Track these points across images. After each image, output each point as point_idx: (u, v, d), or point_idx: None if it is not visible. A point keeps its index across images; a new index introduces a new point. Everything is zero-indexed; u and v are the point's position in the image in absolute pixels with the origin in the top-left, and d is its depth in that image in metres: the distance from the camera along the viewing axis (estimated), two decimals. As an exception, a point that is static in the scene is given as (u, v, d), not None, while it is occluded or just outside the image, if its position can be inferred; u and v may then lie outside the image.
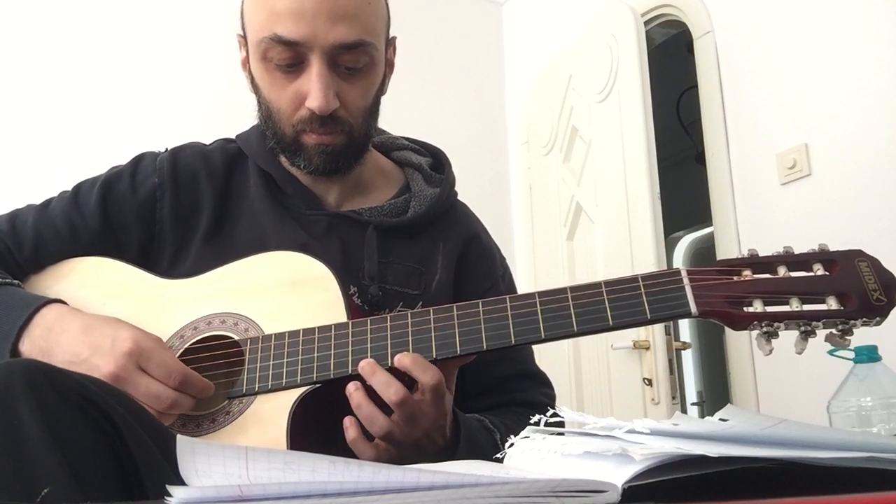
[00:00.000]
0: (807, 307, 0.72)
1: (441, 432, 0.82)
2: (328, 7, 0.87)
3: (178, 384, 0.78)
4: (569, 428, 0.55)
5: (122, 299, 0.93)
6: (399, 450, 0.79)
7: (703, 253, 4.41)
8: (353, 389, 0.78)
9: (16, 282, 0.92)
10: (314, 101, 0.89)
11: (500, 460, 0.58)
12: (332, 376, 0.80)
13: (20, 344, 0.83)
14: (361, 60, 0.92)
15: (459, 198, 1.11)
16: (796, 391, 2.03)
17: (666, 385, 2.28)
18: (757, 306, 0.72)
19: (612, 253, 2.53)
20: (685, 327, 4.22)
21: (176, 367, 0.79)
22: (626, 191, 2.47)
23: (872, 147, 2.00)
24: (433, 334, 0.79)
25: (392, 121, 1.09)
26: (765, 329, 0.72)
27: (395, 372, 0.78)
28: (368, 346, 0.80)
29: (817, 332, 0.72)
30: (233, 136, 1.08)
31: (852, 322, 0.71)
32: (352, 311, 0.86)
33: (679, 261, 4.53)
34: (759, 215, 2.28)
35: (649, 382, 2.32)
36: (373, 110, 0.98)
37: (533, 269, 3.04)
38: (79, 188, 1.01)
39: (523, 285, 2.80)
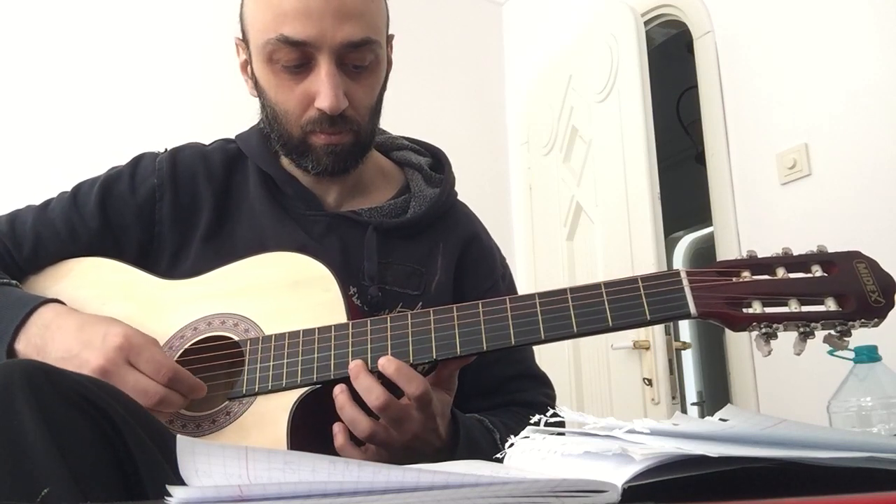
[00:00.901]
0: (805, 308, 0.72)
1: (435, 434, 0.81)
2: (334, 6, 0.87)
3: (168, 380, 0.77)
4: (569, 428, 0.55)
5: (122, 300, 0.92)
6: (389, 453, 0.79)
7: (703, 253, 4.41)
8: (338, 392, 0.78)
9: (14, 282, 0.92)
10: (325, 101, 0.89)
11: (500, 460, 0.58)
12: (332, 377, 0.80)
13: (16, 342, 0.83)
14: (367, 58, 0.92)
15: (459, 198, 1.11)
16: (796, 391, 2.03)
17: (666, 385, 2.28)
18: (756, 307, 0.73)
19: (612, 253, 2.53)
20: (685, 327, 4.22)
21: (165, 364, 0.78)
22: (626, 191, 2.47)
23: (872, 147, 2.00)
24: (433, 335, 0.79)
25: (392, 121, 1.09)
26: (764, 330, 0.72)
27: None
28: (369, 346, 0.80)
29: (816, 333, 0.72)
30: (233, 136, 1.08)
31: (851, 323, 0.71)
32: (352, 311, 0.86)
33: (679, 261, 4.53)
34: (759, 215, 2.28)
35: (649, 382, 2.32)
36: (377, 108, 0.98)
37: (533, 269, 3.04)
38: (78, 189, 1.01)
39: (523, 285, 2.80)
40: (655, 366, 2.30)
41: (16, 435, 0.56)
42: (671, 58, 3.43)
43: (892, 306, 0.71)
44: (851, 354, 0.87)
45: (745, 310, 0.73)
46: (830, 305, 0.72)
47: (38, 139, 2.41)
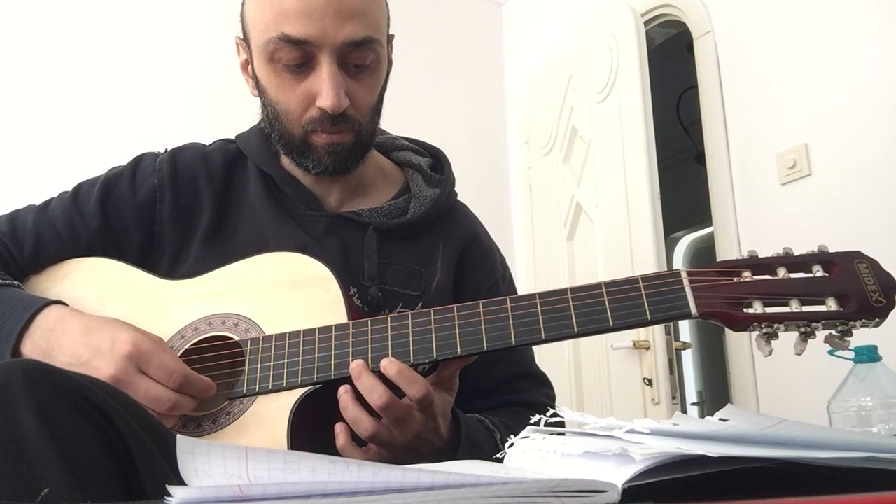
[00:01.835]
0: (806, 308, 0.72)
1: (436, 434, 0.81)
2: (335, 5, 0.87)
3: (179, 385, 0.78)
4: (569, 428, 0.55)
5: (123, 300, 0.93)
6: (392, 453, 0.79)
7: (703, 253, 4.41)
8: (342, 391, 0.79)
9: (16, 283, 0.92)
10: (326, 101, 0.89)
11: (500, 460, 0.58)
12: (332, 377, 0.80)
13: (21, 346, 0.82)
14: (369, 58, 0.92)
15: (459, 198, 1.11)
16: (796, 391, 2.03)
17: (666, 385, 2.28)
18: (756, 307, 0.73)
19: (612, 253, 2.53)
20: (685, 327, 4.22)
21: (176, 369, 0.78)
22: (626, 191, 2.47)
23: (872, 147, 2.00)
24: (434, 335, 0.79)
25: (392, 121, 1.09)
26: (764, 330, 0.72)
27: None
28: (369, 346, 0.80)
29: (817, 333, 0.72)
30: (233, 136, 1.08)
31: (851, 323, 0.71)
32: (352, 311, 0.86)
33: (679, 261, 4.53)
34: (759, 215, 2.28)
35: (649, 382, 2.32)
36: (378, 108, 0.99)
37: (533, 269, 3.04)
38: (79, 189, 1.01)
39: (523, 285, 2.80)
40: (655, 366, 2.30)
41: (16, 435, 0.56)
42: (671, 58, 3.43)
43: (893, 306, 0.71)
44: (851, 354, 0.87)
45: (745, 310, 0.73)
46: (831, 305, 0.72)
47: (38, 139, 2.41)
